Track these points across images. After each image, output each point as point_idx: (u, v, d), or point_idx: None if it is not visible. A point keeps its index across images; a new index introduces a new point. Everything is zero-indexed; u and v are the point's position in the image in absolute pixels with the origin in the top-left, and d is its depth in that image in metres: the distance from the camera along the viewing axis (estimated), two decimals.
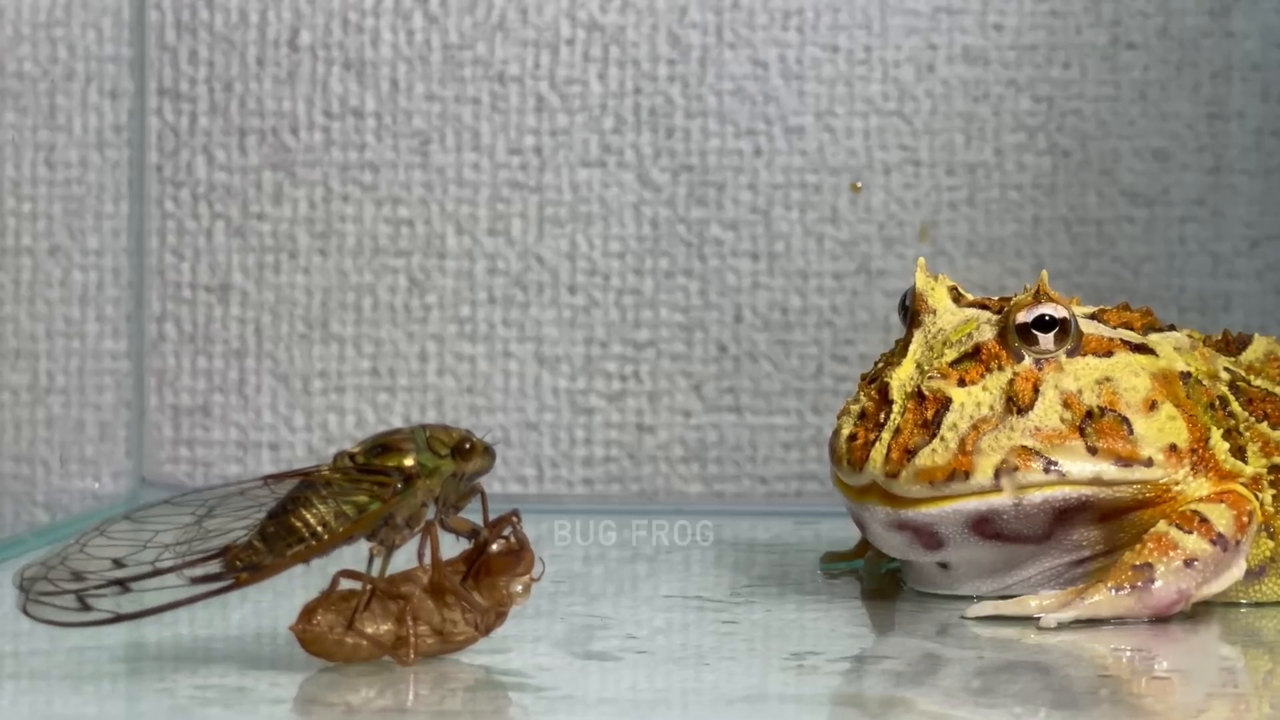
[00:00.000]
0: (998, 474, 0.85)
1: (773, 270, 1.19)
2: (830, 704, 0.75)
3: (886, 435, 0.86)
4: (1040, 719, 0.72)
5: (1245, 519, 0.86)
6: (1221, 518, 0.86)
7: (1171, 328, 0.92)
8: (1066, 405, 0.86)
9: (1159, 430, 0.86)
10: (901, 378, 0.87)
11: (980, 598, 0.88)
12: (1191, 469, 0.87)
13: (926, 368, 0.87)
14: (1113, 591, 0.85)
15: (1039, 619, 0.85)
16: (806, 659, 0.80)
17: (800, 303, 1.19)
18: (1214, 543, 0.85)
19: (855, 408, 0.88)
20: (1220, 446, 0.88)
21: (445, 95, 1.20)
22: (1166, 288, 1.18)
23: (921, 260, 0.91)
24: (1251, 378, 0.92)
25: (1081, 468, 0.85)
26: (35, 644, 0.76)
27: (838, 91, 1.19)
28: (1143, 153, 1.19)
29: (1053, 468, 0.85)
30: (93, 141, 1.17)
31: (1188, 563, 0.85)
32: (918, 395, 0.86)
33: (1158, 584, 0.85)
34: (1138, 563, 0.85)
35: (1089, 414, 0.86)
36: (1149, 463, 0.86)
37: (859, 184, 1.18)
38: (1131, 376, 0.87)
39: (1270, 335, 0.96)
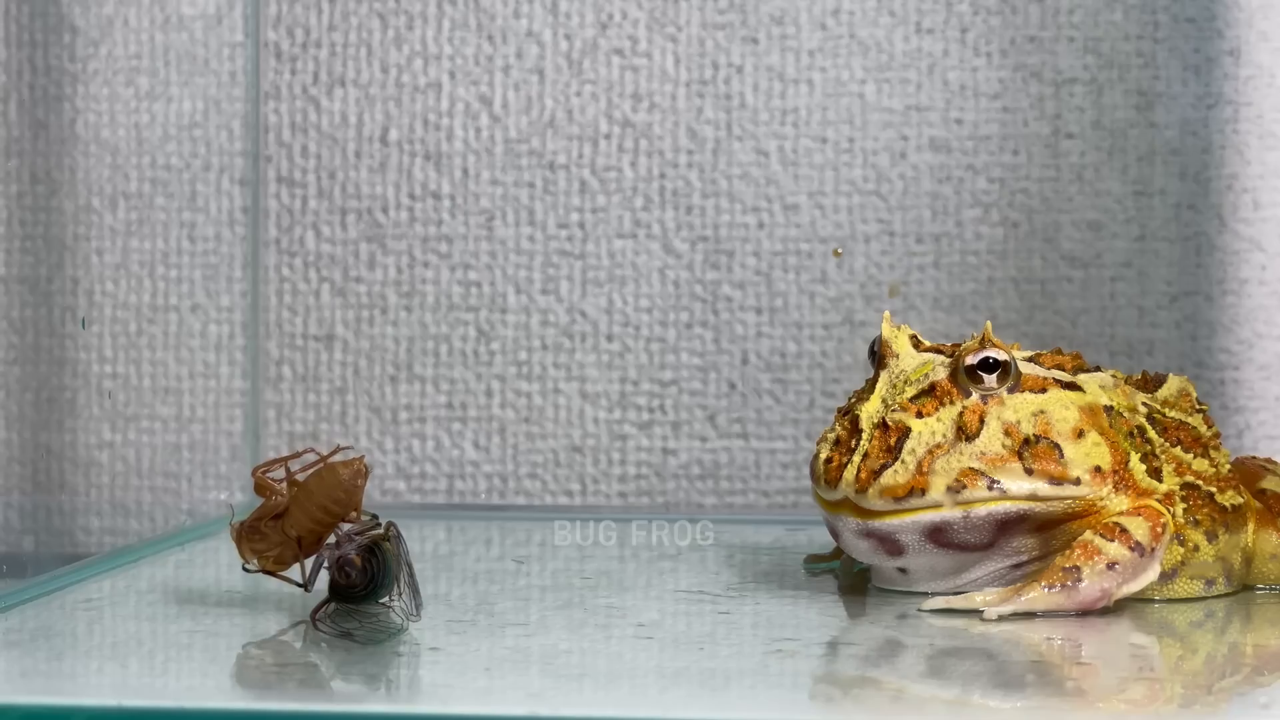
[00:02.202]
0: (949, 491, 0.83)
1: (773, 322, 1.18)
2: (808, 682, 0.73)
3: (857, 458, 0.84)
4: (983, 694, 0.71)
5: (1160, 529, 0.83)
6: (1139, 528, 0.83)
7: (1098, 368, 0.90)
8: (1007, 434, 0.84)
9: (1086, 454, 0.84)
10: (869, 410, 0.85)
11: (934, 594, 0.85)
12: (1114, 487, 0.84)
13: (890, 402, 0.85)
14: (1046, 589, 0.82)
15: (983, 612, 0.82)
16: (787, 644, 0.78)
17: (796, 348, 1.18)
18: (1133, 549, 0.83)
19: (831, 435, 0.86)
20: (1138, 468, 0.85)
21: (506, 180, 1.19)
22: (1100, 335, 1.16)
23: (887, 313, 0.89)
24: (1166, 410, 0.89)
25: (1020, 486, 0.83)
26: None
27: (826, 175, 1.17)
28: (1079, 224, 1.17)
29: (995, 486, 0.83)
30: (225, 220, 1.18)
31: (1110, 566, 0.82)
32: (883, 425, 0.84)
33: (1084, 583, 0.82)
34: (1067, 565, 0.82)
35: (1026, 441, 0.84)
36: (1077, 482, 0.83)
37: (839, 250, 1.17)
38: (1062, 409, 0.85)
39: (1183, 375, 0.93)
